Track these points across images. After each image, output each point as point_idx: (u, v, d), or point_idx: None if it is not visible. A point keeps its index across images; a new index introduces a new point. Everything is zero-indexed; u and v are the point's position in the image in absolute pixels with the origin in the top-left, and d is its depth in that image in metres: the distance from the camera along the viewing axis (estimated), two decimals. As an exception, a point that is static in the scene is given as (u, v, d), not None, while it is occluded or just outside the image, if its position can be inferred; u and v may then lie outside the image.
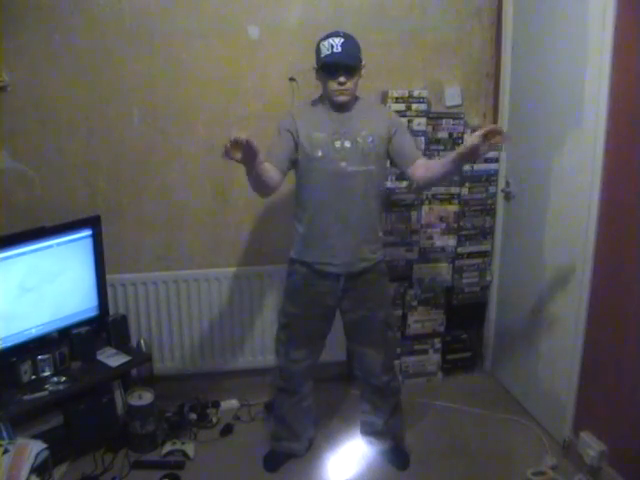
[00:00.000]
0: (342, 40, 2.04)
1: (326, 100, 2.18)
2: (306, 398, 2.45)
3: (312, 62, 2.74)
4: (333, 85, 2.08)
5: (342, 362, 2.87)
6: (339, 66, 2.05)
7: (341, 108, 2.15)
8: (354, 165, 2.13)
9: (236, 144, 1.78)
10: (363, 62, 2.11)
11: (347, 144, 2.13)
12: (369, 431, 2.53)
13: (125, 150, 2.75)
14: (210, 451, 2.58)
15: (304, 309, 2.29)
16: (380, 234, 2.31)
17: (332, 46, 2.04)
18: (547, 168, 2.57)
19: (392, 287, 2.98)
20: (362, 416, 2.53)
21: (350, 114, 2.17)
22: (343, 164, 2.12)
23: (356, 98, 2.19)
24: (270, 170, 2.05)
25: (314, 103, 2.23)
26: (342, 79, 2.06)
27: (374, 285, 2.28)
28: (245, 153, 1.81)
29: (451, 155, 2.02)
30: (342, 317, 2.34)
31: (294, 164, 2.19)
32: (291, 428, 2.48)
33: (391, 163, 2.28)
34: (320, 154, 2.12)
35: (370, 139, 2.14)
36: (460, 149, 1.95)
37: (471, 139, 1.88)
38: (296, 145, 2.15)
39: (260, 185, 2.05)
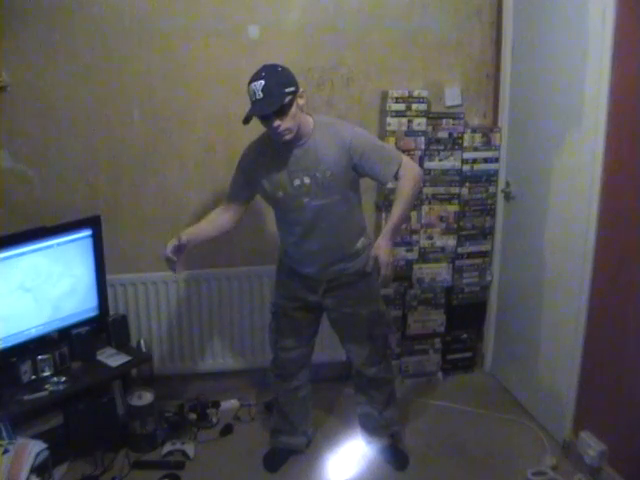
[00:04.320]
0: (263, 83, 1.91)
1: None
2: (302, 388, 2.46)
3: (312, 61, 2.77)
4: (270, 129, 1.99)
5: (341, 362, 2.87)
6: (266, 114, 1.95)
7: (294, 144, 2.06)
8: (316, 199, 2.09)
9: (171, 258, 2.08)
10: (300, 90, 2.00)
11: (306, 180, 2.08)
12: (367, 424, 2.53)
13: (125, 150, 2.75)
14: (210, 451, 2.58)
15: (288, 300, 2.33)
16: (358, 245, 2.23)
17: (254, 92, 1.93)
18: (547, 168, 2.57)
19: (385, 289, 2.99)
20: (358, 408, 2.54)
21: (305, 149, 2.07)
22: (305, 200, 2.10)
23: (312, 123, 2.07)
24: (215, 223, 2.25)
25: (270, 138, 2.09)
26: (275, 124, 1.95)
27: (357, 284, 2.27)
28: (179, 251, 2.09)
29: (389, 220, 2.13)
30: (326, 314, 2.36)
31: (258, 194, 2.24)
32: (289, 419, 2.50)
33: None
34: (281, 194, 2.12)
35: (329, 173, 2.06)
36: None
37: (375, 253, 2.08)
38: (253, 184, 2.18)
39: (216, 237, 2.24)
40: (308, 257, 2.22)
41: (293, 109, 1.97)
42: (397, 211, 2.10)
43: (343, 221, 2.18)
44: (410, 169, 2.11)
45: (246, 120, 1.98)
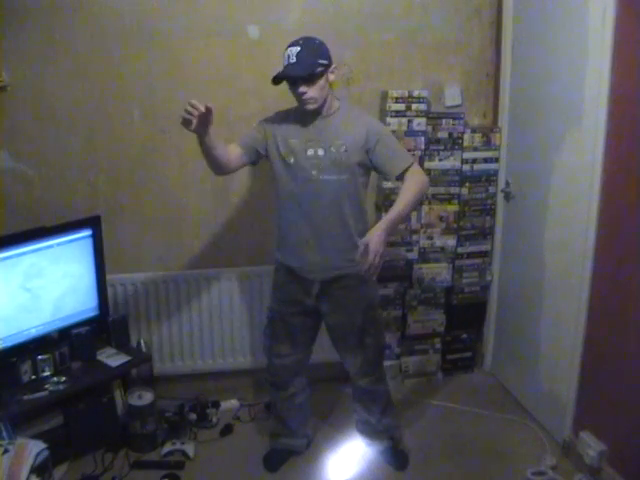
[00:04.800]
0: (298, 49, 1.99)
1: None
2: (298, 395, 2.45)
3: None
4: (296, 95, 2.05)
5: (340, 362, 2.86)
6: (294, 77, 2.01)
7: (317, 115, 2.12)
8: (326, 174, 2.10)
9: (194, 110, 1.84)
10: (333, 66, 2.07)
11: (320, 152, 2.10)
12: (365, 429, 2.53)
13: (125, 149, 2.75)
14: (210, 451, 2.58)
15: (284, 305, 2.32)
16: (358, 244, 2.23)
17: (288, 57, 2.01)
18: (547, 168, 2.57)
19: (385, 289, 2.99)
20: (356, 415, 2.54)
21: (327, 121, 2.12)
22: (314, 172, 2.10)
23: (338, 104, 2.15)
24: (224, 148, 2.11)
25: (296, 107, 2.16)
26: (301, 89, 2.01)
27: (352, 290, 2.25)
28: (201, 121, 1.88)
29: (388, 213, 2.04)
30: (324, 321, 2.35)
31: (265, 158, 2.20)
32: (287, 424, 2.50)
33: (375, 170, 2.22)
34: (292, 161, 2.12)
35: (344, 149, 2.09)
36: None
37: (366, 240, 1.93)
38: (267, 140, 2.16)
39: (210, 159, 2.09)
40: (304, 244, 2.17)
41: (322, 81, 2.04)
42: (398, 206, 2.04)
43: (349, 203, 2.14)
44: (418, 174, 2.13)
45: (275, 80, 2.04)
